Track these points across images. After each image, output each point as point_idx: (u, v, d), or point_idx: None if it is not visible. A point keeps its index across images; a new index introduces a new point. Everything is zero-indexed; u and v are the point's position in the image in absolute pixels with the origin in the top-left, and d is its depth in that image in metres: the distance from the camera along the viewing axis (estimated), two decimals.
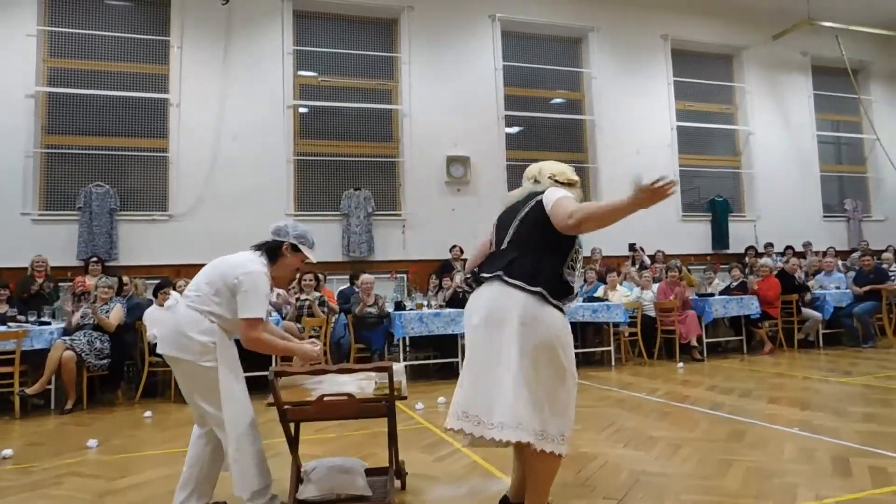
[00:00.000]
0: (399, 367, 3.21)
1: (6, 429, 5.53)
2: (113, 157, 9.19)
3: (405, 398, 3.21)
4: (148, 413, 5.89)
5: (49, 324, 6.71)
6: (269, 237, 3.21)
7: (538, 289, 2.59)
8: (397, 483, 3.45)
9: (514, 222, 2.81)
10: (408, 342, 7.88)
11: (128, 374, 7.17)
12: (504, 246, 2.80)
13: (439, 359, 8.00)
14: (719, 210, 11.96)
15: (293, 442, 3.17)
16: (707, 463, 3.72)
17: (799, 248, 11.57)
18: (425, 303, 8.06)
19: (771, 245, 11.54)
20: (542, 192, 2.80)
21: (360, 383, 3.32)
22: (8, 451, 4.48)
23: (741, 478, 3.43)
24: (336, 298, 8.29)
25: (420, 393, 6.67)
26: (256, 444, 3.02)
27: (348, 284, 8.87)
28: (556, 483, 3.46)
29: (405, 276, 10.20)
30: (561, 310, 2.66)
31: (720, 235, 11.88)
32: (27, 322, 6.62)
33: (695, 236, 11.66)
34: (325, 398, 3.01)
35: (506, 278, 2.63)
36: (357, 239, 9.95)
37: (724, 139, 12.70)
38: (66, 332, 6.41)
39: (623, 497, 3.20)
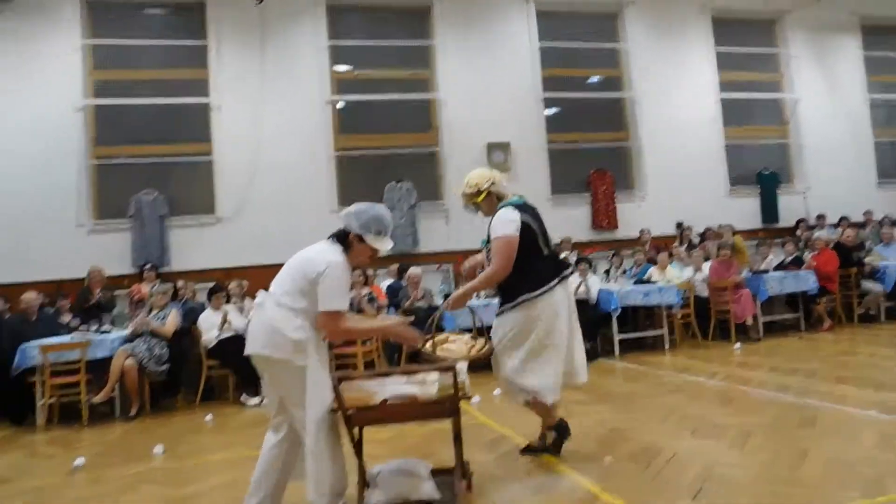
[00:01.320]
0: (462, 366, 3.17)
1: (76, 437, 5.71)
2: (160, 164, 9.36)
3: (470, 398, 3.18)
4: (209, 417, 6.01)
5: (110, 332, 6.87)
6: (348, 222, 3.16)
7: None
8: (463, 484, 3.42)
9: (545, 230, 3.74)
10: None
11: (187, 378, 7.30)
12: (550, 250, 3.74)
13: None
14: (768, 183, 11.58)
15: (358, 446, 3.17)
16: (782, 453, 3.59)
17: (854, 219, 11.11)
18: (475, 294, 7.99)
19: (823, 217, 11.15)
20: None
21: (422, 383, 3.28)
22: (80, 460, 4.61)
23: (821, 468, 3.31)
24: (384, 293, 8.30)
25: (474, 385, 6.60)
26: (337, 449, 3.02)
27: (396, 279, 8.88)
28: (626, 478, 3.41)
29: (450, 267, 10.16)
30: None
31: (770, 209, 11.51)
32: (89, 332, 6.79)
33: (743, 211, 11.31)
34: (389, 401, 3.00)
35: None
36: (402, 232, 9.93)
37: (770, 109, 12.26)
38: (127, 340, 6.55)
39: (699, 492, 3.10)
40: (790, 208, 11.57)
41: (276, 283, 3.10)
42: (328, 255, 3.02)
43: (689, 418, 4.53)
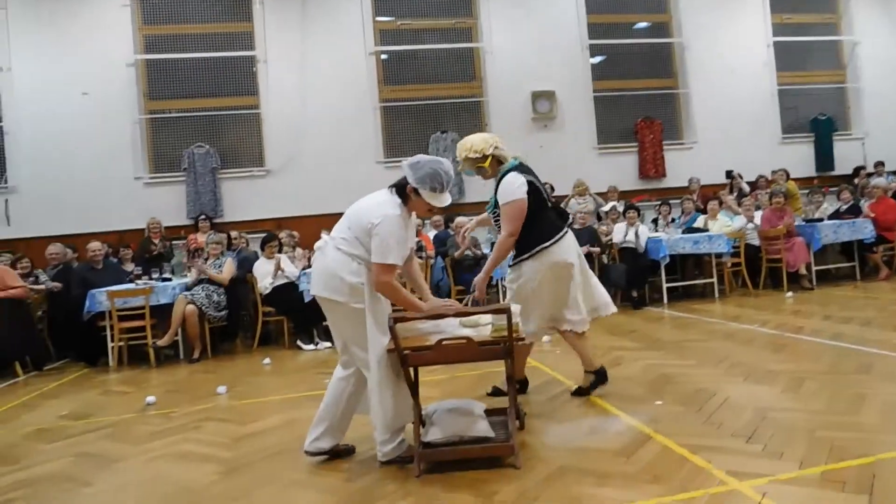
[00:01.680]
0: (517, 309, 3.22)
1: (145, 377, 6.03)
2: (210, 118, 9.54)
3: (523, 340, 3.23)
4: (267, 360, 6.24)
5: (170, 280, 7.15)
6: (407, 172, 3.11)
7: None
8: (517, 424, 3.51)
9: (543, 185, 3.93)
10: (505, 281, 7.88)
11: (244, 323, 7.57)
12: (552, 202, 3.96)
13: None
14: (823, 129, 11.19)
15: (414, 386, 3.27)
16: (838, 398, 3.58)
17: None
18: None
19: (882, 164, 10.74)
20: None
21: (476, 325, 3.33)
22: (151, 398, 4.89)
23: (879, 412, 3.29)
24: (432, 243, 8.39)
25: None
26: (400, 385, 3.11)
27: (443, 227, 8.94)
28: (677, 420, 3.46)
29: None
30: None
31: (824, 157, 11.15)
32: (151, 280, 7.09)
33: (797, 159, 10.95)
34: (445, 342, 3.07)
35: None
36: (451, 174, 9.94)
37: (826, 52, 11.73)
38: (187, 287, 6.82)
39: (753, 434, 3.13)
40: (846, 156, 11.18)
41: (337, 228, 3.18)
42: (385, 207, 3.04)
43: (740, 365, 4.53)
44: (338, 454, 3.31)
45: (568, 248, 3.83)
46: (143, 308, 6.48)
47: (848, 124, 11.63)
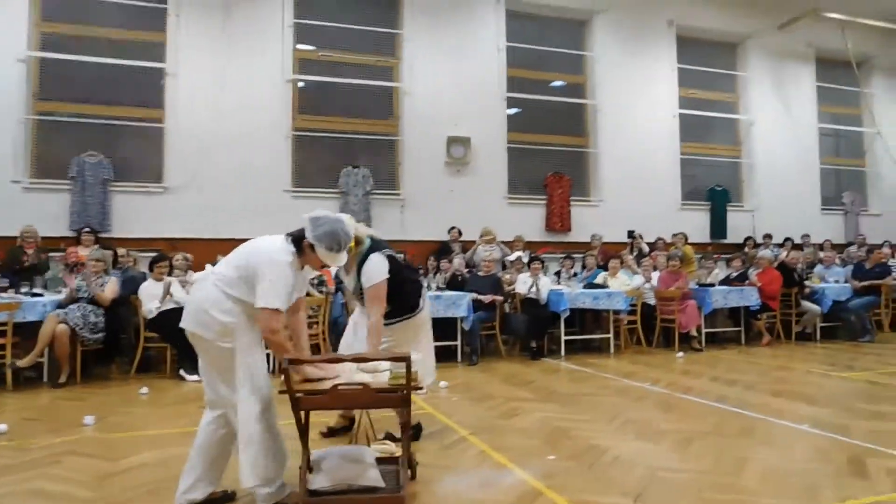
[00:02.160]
0: (417, 357, 3.11)
1: None
2: (107, 127, 8.97)
3: (421, 389, 3.12)
4: (144, 389, 5.78)
5: (41, 295, 6.54)
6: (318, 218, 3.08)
7: None
8: (408, 474, 3.36)
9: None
10: None
11: (123, 347, 7.01)
12: (411, 268, 4.63)
13: (438, 341, 7.86)
14: (718, 199, 11.92)
15: (304, 431, 3.08)
16: (722, 460, 3.66)
17: (797, 241, 11.54)
18: (424, 284, 7.93)
19: (769, 236, 11.52)
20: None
21: (374, 371, 3.21)
22: (3, 427, 4.37)
23: (759, 476, 3.38)
24: (333, 279, 8.15)
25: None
26: (271, 432, 2.94)
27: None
28: (569, 476, 3.42)
29: (403, 256, 10.05)
30: None
31: (719, 225, 11.85)
32: (18, 293, 6.45)
33: (693, 225, 11.56)
34: (340, 387, 2.92)
35: None
36: (355, 218, 9.70)
37: (725, 128, 12.61)
38: (61, 304, 6.25)
39: (641, 493, 3.13)
40: (738, 225, 11.93)
41: (220, 265, 3.05)
42: (276, 253, 2.94)
43: (632, 422, 4.58)
44: (213, 502, 3.03)
45: (424, 317, 4.23)
46: (5, 324, 5.85)
47: (741, 196, 12.45)
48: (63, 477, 3.49)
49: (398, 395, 2.99)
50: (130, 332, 6.98)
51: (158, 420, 4.82)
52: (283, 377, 2.83)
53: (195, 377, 6.20)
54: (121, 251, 7.69)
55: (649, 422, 4.59)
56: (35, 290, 6.62)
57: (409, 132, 10.29)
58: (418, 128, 10.30)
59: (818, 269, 10.06)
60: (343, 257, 3.08)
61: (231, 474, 3.05)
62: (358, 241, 3.80)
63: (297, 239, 3.02)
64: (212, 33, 9.36)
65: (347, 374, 3.14)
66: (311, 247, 2.99)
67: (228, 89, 9.37)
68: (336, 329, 7.61)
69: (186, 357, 6.36)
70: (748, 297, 8.59)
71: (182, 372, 6.37)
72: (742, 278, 9.05)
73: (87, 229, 8.12)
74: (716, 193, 11.91)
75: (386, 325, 3.90)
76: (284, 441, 3.03)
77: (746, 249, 10.90)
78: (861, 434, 4.16)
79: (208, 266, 3.20)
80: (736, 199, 12.29)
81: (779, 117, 12.65)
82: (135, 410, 5.12)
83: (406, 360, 2.91)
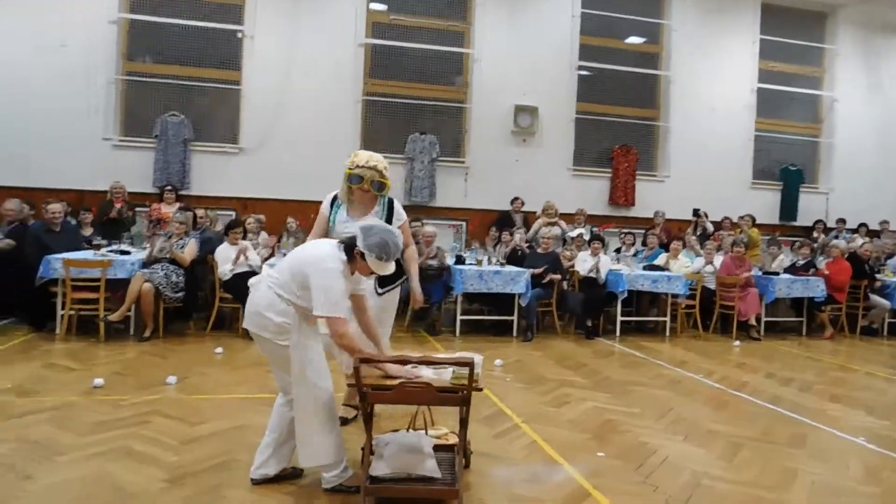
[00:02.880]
0: (479, 360, 3.29)
1: (93, 353, 5.93)
2: (188, 87, 9.35)
3: (481, 390, 3.30)
4: (219, 349, 6.21)
5: (129, 253, 7.02)
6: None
7: None
8: (463, 463, 3.58)
9: None
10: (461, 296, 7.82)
11: (199, 305, 7.47)
12: None
13: (494, 315, 8.08)
14: (791, 179, 11.55)
15: (368, 419, 3.31)
16: (770, 471, 3.74)
17: (873, 227, 11.09)
18: (484, 258, 8.09)
19: (843, 221, 11.15)
20: None
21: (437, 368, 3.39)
22: (99, 381, 4.82)
23: (806, 493, 3.45)
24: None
25: (473, 352, 6.76)
26: (328, 424, 3.18)
27: None
28: (617, 476, 3.58)
29: (464, 224, 10.24)
30: None
31: (789, 206, 11.51)
32: (108, 247, 6.94)
33: (763, 205, 11.29)
34: (406, 385, 3.13)
35: None
36: (420, 184, 9.99)
37: (805, 104, 12.09)
38: (145, 264, 6.71)
39: (686, 501, 3.27)
40: (810, 208, 11.57)
41: (276, 268, 3.27)
42: (327, 261, 3.08)
43: (682, 421, 4.67)
44: (282, 478, 3.34)
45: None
46: (98, 280, 6.35)
47: (816, 177, 12.01)
48: (149, 438, 3.86)
49: (459, 395, 3.19)
50: (207, 290, 7.44)
51: (231, 383, 5.18)
52: (354, 374, 3.06)
53: None
54: (199, 212, 8.10)
55: (699, 421, 4.68)
56: (123, 248, 7.09)
57: (477, 100, 10.31)
58: (486, 95, 10.31)
59: (892, 261, 9.70)
60: (391, 266, 3.20)
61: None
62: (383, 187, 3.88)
63: (349, 247, 3.16)
64: None
65: (426, 371, 3.33)
66: (362, 255, 3.12)
67: (302, 51, 9.58)
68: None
69: None
70: (813, 288, 8.40)
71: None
72: (808, 267, 8.82)
73: (168, 187, 8.59)
74: (789, 173, 11.52)
75: (381, 292, 3.95)
76: (340, 429, 3.27)
77: (815, 234, 10.58)
78: None
79: (265, 267, 3.47)
80: (810, 180, 11.87)
81: (866, 95, 12.02)
82: (210, 371, 5.52)
83: (470, 364, 3.10)
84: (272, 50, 9.46)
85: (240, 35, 9.43)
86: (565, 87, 10.62)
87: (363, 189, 3.79)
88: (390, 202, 3.96)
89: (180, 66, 9.30)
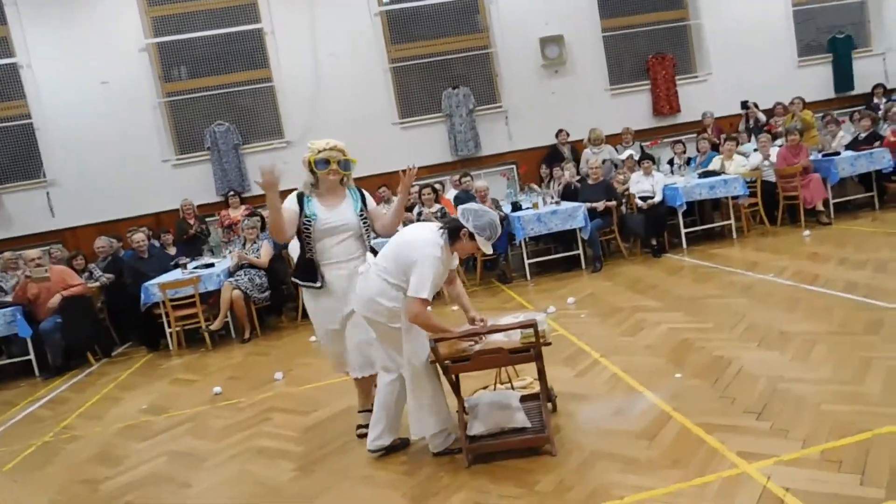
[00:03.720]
0: (542, 318, 3.56)
1: (205, 362, 6.57)
2: (225, 95, 9.75)
3: (549, 344, 3.56)
4: (313, 338, 6.60)
5: (213, 265, 7.60)
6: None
7: None
8: (549, 409, 3.90)
9: None
10: (527, 239, 8.06)
11: (285, 297, 7.99)
12: None
13: (560, 252, 8.28)
14: (841, 48, 11.00)
15: (456, 387, 3.66)
16: (845, 364, 3.84)
17: None
18: (539, 199, 8.24)
19: None
20: None
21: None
22: (218, 389, 5.41)
23: (882, 381, 3.54)
24: (453, 205, 8.66)
25: (546, 292, 7.09)
26: (435, 393, 3.56)
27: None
28: (695, 396, 3.82)
29: (514, 167, 10.37)
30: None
31: (843, 77, 11.01)
32: (193, 262, 7.56)
33: (815, 82, 10.87)
34: (481, 354, 3.47)
35: None
36: (463, 137, 10.15)
37: None
38: (230, 272, 7.26)
39: (763, 410, 3.48)
40: (867, 73, 11.04)
41: (381, 256, 3.57)
42: (427, 247, 3.36)
43: (756, 327, 4.80)
44: (395, 448, 3.77)
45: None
46: (193, 297, 6.95)
47: (868, 40, 11.41)
48: (275, 434, 4.35)
49: (530, 353, 3.49)
50: (289, 283, 7.94)
51: (329, 370, 5.65)
52: (433, 351, 3.39)
53: None
54: (265, 213, 8.57)
55: (773, 325, 4.77)
56: (206, 261, 7.68)
57: (501, 42, 10.29)
58: (509, 36, 10.27)
59: None
60: (491, 245, 3.49)
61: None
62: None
63: (452, 230, 3.44)
64: None
65: (497, 336, 3.64)
66: (471, 236, 3.39)
67: (322, 35, 9.79)
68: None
69: None
70: (879, 159, 8.10)
71: None
72: (871, 139, 8.52)
73: (231, 193, 9.12)
74: (837, 42, 10.99)
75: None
76: (445, 399, 3.63)
77: (875, 100, 10.15)
78: None
79: (369, 257, 3.78)
80: (862, 45, 11.29)
81: None
82: (311, 361, 6.00)
83: (534, 325, 3.39)
84: (294, 40, 9.70)
85: (261, 31, 9.68)
86: (586, 6, 10.41)
87: (331, 172, 3.81)
88: (359, 189, 4.00)
89: (213, 77, 9.69)
